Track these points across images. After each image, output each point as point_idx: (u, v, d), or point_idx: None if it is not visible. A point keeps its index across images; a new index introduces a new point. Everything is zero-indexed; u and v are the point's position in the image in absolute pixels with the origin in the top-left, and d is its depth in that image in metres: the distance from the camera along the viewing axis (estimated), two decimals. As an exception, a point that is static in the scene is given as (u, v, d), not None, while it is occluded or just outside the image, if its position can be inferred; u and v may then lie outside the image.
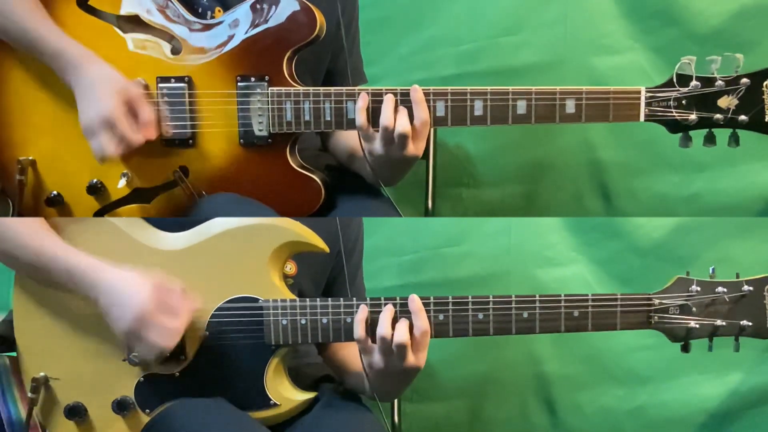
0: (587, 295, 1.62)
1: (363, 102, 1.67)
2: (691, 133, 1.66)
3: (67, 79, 1.66)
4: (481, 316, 1.61)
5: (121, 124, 1.62)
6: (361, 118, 1.67)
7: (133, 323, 1.52)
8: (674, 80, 1.64)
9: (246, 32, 1.70)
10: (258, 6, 1.70)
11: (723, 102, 1.62)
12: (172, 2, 1.72)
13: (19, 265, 1.61)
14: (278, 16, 1.69)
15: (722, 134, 1.66)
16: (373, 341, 1.58)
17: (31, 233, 1.60)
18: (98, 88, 1.63)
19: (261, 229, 1.62)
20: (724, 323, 1.60)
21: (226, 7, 1.74)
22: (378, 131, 1.66)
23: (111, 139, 1.62)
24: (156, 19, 1.71)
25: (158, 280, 1.55)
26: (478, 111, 1.68)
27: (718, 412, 2.32)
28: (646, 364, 2.33)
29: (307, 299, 1.62)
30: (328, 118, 1.70)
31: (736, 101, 1.62)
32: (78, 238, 1.61)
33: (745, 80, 1.61)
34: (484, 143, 2.45)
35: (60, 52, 1.65)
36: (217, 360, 1.62)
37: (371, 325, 1.59)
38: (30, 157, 1.74)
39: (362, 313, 1.59)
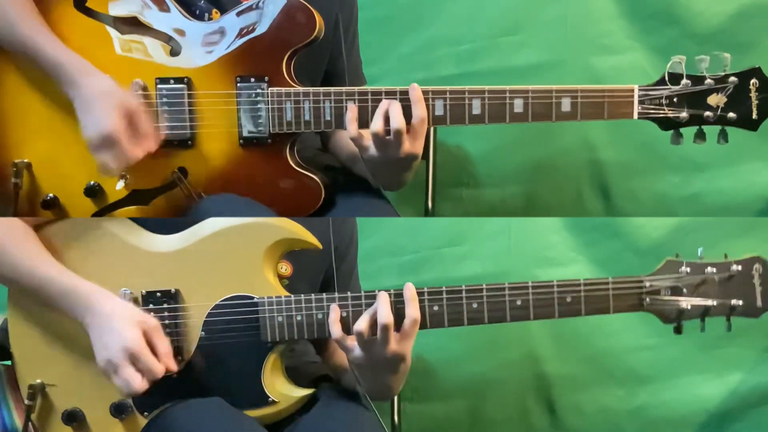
0: (579, 280, 1.62)
1: (352, 114, 1.67)
2: (682, 130, 1.68)
3: (66, 91, 1.67)
4: (475, 305, 1.62)
5: (122, 141, 1.63)
6: (352, 129, 1.67)
7: (116, 356, 1.54)
8: (666, 79, 1.66)
9: (244, 34, 1.70)
10: (252, 7, 1.71)
11: (712, 100, 1.65)
12: (169, 4, 1.72)
13: (11, 285, 1.63)
14: (272, 15, 1.69)
15: (712, 132, 1.68)
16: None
17: (24, 253, 1.61)
18: (97, 103, 1.64)
19: (254, 228, 1.63)
20: (714, 303, 1.61)
21: (223, 9, 1.74)
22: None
23: (113, 156, 1.64)
24: (153, 20, 1.71)
25: (142, 319, 1.57)
26: (476, 110, 1.68)
27: (718, 412, 2.32)
28: (646, 364, 2.33)
29: (302, 295, 1.62)
30: (328, 118, 1.70)
31: (724, 99, 1.65)
32: (68, 241, 1.62)
33: (733, 79, 1.64)
34: (484, 143, 2.45)
35: (59, 64, 1.66)
36: (214, 359, 1.62)
37: (350, 321, 1.60)
38: (25, 160, 1.74)
39: (335, 313, 1.60)
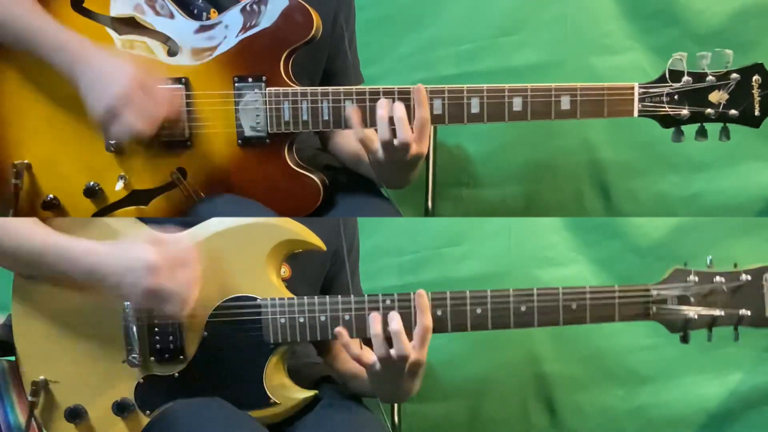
0: (585, 287, 1.61)
1: (357, 117, 1.66)
2: (684, 127, 1.68)
3: (69, 73, 1.63)
4: (479, 310, 1.61)
5: (143, 99, 1.58)
6: (359, 132, 1.66)
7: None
8: (666, 76, 1.66)
9: (241, 33, 1.70)
10: (250, 7, 1.71)
11: (714, 97, 1.65)
12: (166, 3, 1.72)
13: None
14: (270, 15, 1.69)
15: (714, 130, 1.68)
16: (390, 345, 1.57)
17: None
18: (109, 72, 1.60)
19: (258, 228, 1.63)
20: (722, 313, 1.59)
21: (221, 9, 1.74)
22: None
23: (137, 115, 1.58)
24: (151, 20, 1.71)
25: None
26: (475, 109, 1.68)
27: (718, 412, 2.32)
28: (646, 364, 2.33)
29: (305, 297, 1.62)
30: (326, 118, 1.70)
31: (726, 96, 1.64)
32: None
33: (734, 75, 1.64)
34: (484, 143, 2.45)
35: (61, 44, 1.63)
36: (217, 360, 1.62)
37: (353, 324, 1.60)
38: (25, 161, 1.73)
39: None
